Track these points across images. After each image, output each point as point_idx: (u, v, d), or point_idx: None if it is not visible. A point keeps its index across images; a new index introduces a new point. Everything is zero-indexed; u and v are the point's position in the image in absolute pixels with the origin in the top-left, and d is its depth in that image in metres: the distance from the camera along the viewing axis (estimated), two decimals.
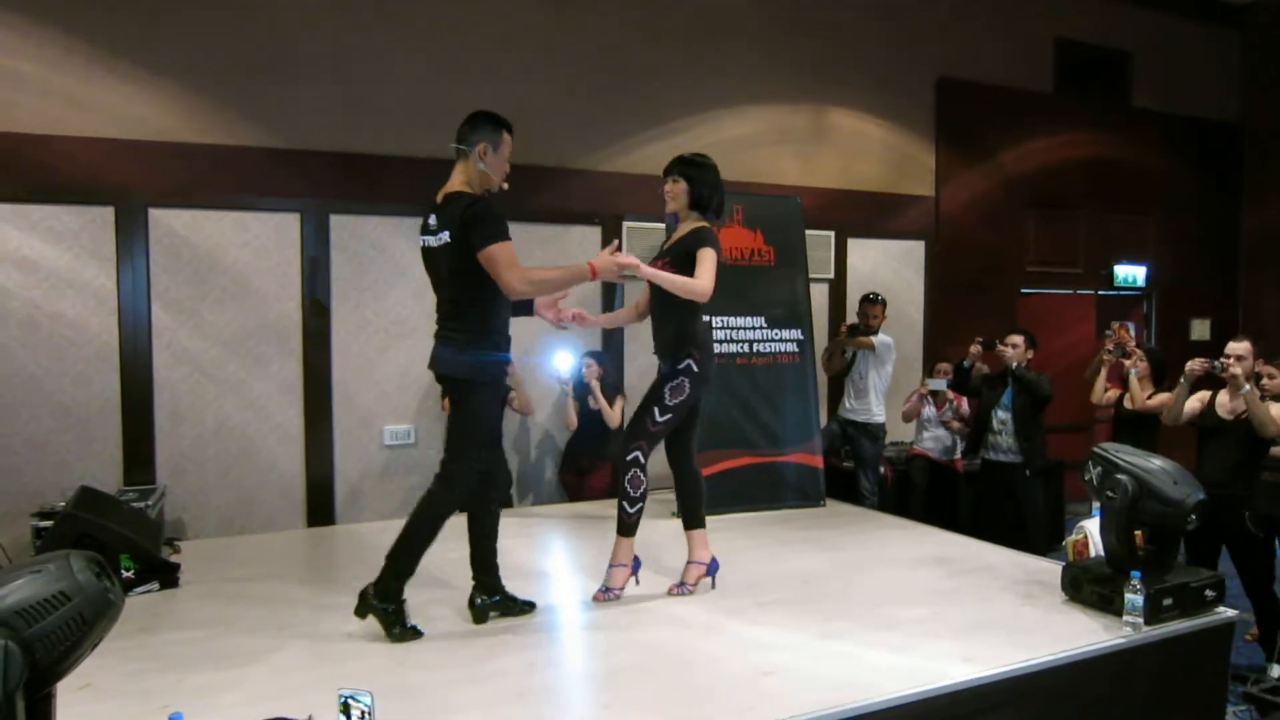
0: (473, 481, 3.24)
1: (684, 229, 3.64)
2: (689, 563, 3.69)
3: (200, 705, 2.44)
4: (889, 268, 7.25)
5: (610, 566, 3.57)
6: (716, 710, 2.48)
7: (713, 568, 3.70)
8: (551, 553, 4.01)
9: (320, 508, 5.44)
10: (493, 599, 3.35)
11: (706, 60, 6.38)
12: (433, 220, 3.23)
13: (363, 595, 3.15)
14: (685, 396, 3.51)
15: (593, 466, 5.68)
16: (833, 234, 6.92)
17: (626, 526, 3.52)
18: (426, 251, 3.28)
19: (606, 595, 3.52)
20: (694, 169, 3.65)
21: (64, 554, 1.89)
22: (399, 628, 3.10)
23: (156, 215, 5.03)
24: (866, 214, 7.08)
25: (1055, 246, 7.99)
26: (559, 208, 5.95)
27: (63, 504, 4.02)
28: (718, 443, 5.10)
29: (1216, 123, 8.79)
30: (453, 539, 4.47)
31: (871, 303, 6.21)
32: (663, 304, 3.58)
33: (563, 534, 4.55)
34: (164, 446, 5.08)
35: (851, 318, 6.55)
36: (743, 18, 6.51)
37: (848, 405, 6.19)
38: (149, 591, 3.60)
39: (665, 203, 3.71)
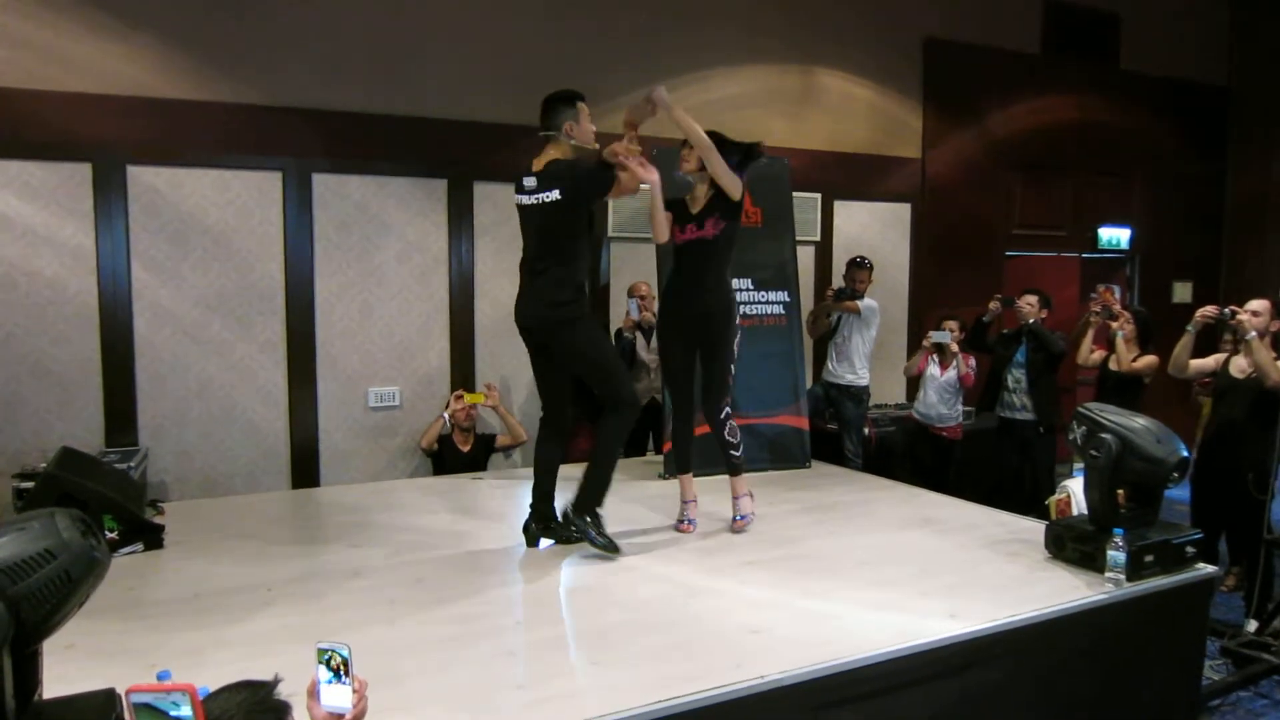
0: (632, 398, 3.68)
1: (706, 190, 3.88)
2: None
3: (187, 663, 2.43)
4: (875, 230, 7.23)
5: (734, 499, 4.01)
6: (705, 667, 2.50)
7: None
8: None
9: (304, 470, 5.41)
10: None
11: (695, 20, 6.29)
12: (530, 182, 3.54)
13: (565, 518, 3.58)
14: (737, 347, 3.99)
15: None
16: (819, 196, 6.88)
17: (737, 467, 4.01)
18: (524, 210, 3.62)
19: (745, 521, 3.97)
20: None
21: (49, 512, 1.86)
22: (604, 536, 3.53)
23: (135, 172, 4.93)
24: (853, 176, 7.04)
25: (1041, 209, 7.98)
26: None
27: (44, 465, 3.98)
28: None
29: (1204, 85, 8.76)
30: (438, 510, 4.46)
31: (858, 267, 6.20)
32: (703, 267, 3.87)
33: None
34: (146, 408, 5.03)
35: (838, 281, 6.54)
36: None
37: (831, 368, 6.20)
38: (134, 552, 3.58)
39: (679, 164, 3.89)
